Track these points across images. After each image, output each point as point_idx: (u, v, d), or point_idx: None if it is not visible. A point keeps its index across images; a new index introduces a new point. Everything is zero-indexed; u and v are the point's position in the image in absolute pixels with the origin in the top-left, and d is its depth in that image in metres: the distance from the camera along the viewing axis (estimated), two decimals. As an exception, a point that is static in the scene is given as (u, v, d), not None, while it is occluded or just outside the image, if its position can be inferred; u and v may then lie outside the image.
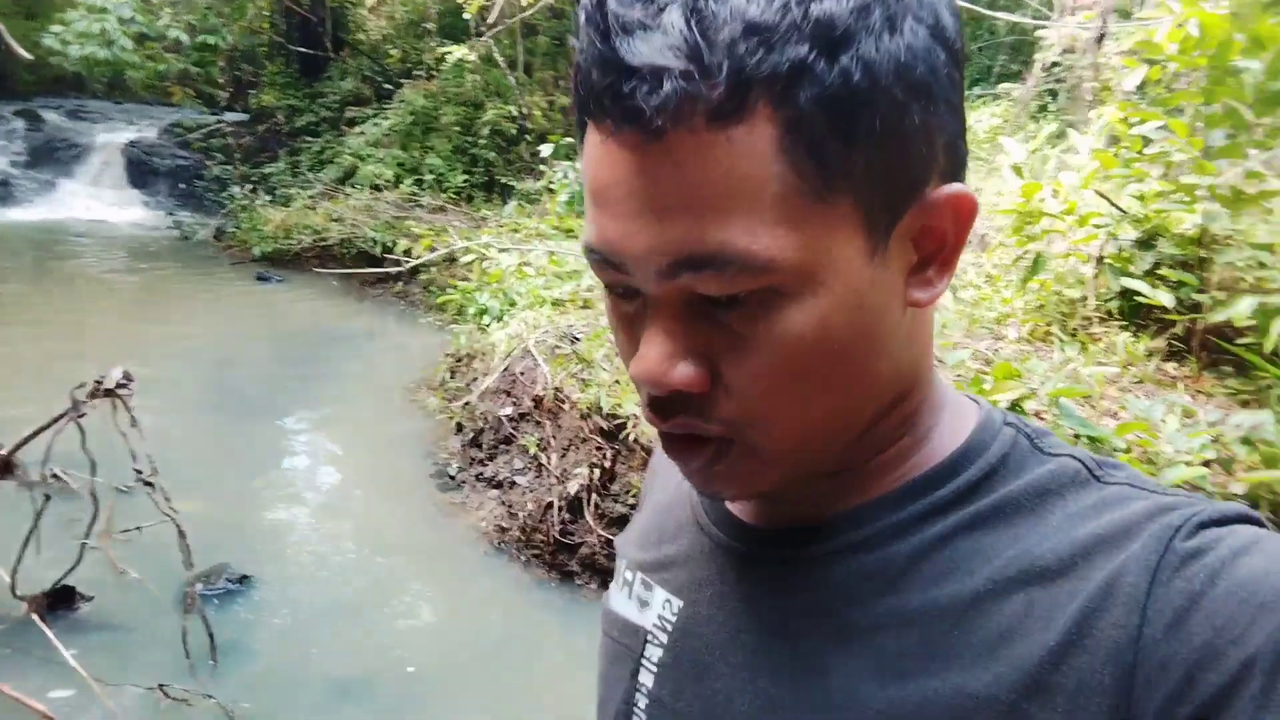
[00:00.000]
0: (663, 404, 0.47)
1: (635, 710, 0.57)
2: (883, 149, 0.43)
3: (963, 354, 3.02)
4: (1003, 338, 3.44)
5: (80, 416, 3.02)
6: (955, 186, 0.46)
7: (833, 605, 0.49)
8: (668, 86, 0.39)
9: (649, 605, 0.59)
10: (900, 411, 0.51)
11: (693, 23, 0.39)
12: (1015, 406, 2.48)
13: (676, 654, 0.55)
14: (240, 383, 5.74)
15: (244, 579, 3.42)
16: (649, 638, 0.58)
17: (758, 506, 0.55)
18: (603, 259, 0.46)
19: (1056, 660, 0.42)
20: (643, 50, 0.40)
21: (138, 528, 3.26)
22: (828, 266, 0.43)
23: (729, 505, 0.57)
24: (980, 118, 7.03)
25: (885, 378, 0.49)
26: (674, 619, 0.56)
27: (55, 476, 3.25)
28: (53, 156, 10.54)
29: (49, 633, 2.87)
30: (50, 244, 8.82)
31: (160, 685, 2.77)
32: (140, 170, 10.63)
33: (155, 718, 2.69)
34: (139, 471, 2.97)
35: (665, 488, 0.66)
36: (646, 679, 0.57)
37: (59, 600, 3.07)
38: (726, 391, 0.46)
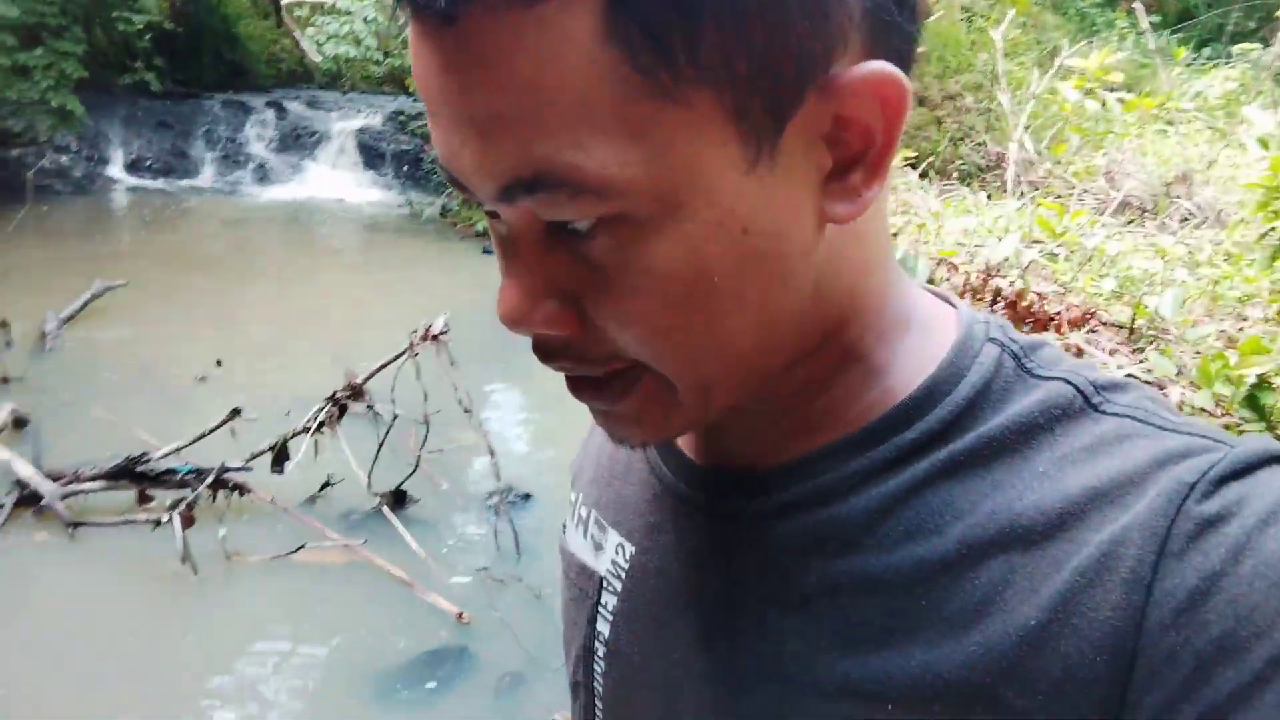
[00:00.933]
0: (540, 346, 0.42)
1: (595, 659, 0.55)
2: (746, 24, 0.34)
3: (1206, 330, 2.96)
4: (1246, 318, 3.30)
5: (414, 355, 3.81)
6: (873, 66, 0.37)
7: (785, 566, 0.44)
8: None
9: (603, 549, 0.55)
10: (839, 342, 0.45)
11: None
12: (1263, 384, 2.22)
13: (632, 603, 0.52)
14: (486, 337, 6.59)
15: (527, 496, 4.14)
16: (604, 584, 0.54)
17: (704, 443, 0.51)
18: (449, 177, 0.40)
19: (1039, 641, 0.36)
20: None
21: (440, 450, 4.03)
22: (689, 184, 0.36)
23: (677, 441, 0.52)
24: (1211, 82, 6.75)
25: (799, 308, 0.42)
26: (626, 565, 0.53)
27: (370, 409, 4.07)
28: (298, 142, 11.98)
29: (397, 522, 3.67)
30: (304, 217, 10.17)
31: (482, 568, 3.50)
32: (371, 154, 11.92)
33: (481, 594, 3.41)
34: (460, 402, 3.71)
35: None
36: (604, 627, 0.54)
37: (396, 501, 3.87)
38: (599, 332, 0.40)
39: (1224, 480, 0.36)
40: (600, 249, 0.38)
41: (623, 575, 0.53)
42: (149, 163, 11.44)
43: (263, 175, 11.54)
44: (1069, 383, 0.42)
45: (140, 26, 10.62)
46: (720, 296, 0.39)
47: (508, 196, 0.38)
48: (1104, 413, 0.41)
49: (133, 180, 11.15)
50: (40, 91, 8.79)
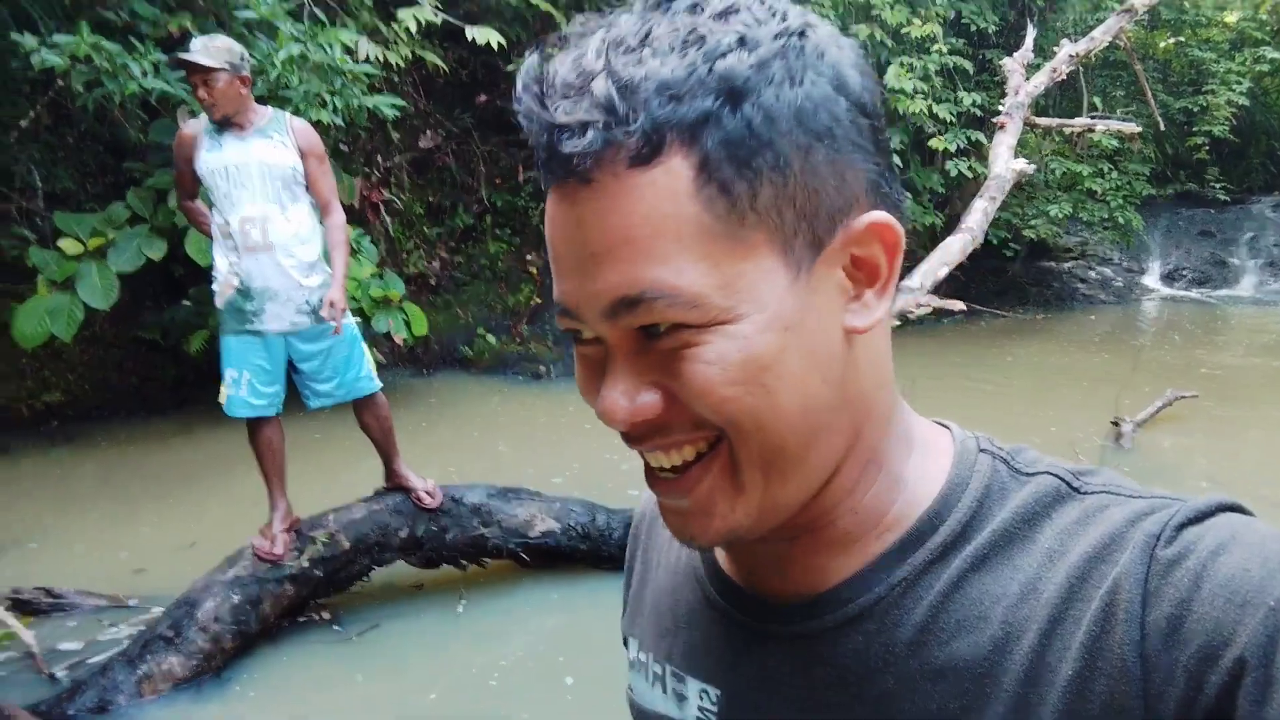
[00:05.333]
0: (634, 434, 0.51)
1: None
2: (789, 184, 0.47)
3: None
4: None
5: None
6: (875, 214, 0.50)
7: (862, 675, 0.51)
8: (590, 134, 0.45)
9: (686, 699, 0.60)
10: (864, 445, 0.53)
11: (612, 84, 0.45)
12: None
13: None
14: None
15: None
16: None
17: (760, 576, 0.58)
18: (563, 310, 0.50)
19: (1080, 689, 0.44)
20: (571, 109, 0.46)
21: None
22: (749, 295, 0.47)
23: (733, 578, 0.59)
24: None
25: (831, 399, 0.50)
26: (715, 708, 0.58)
27: None
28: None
29: None
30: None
31: None
32: None
33: None
34: None
35: (666, 566, 0.67)
36: None
37: None
38: (683, 405, 0.49)
39: (1182, 527, 0.45)
40: (678, 342, 0.48)
41: (713, 717, 0.59)
42: (1185, 273, 11.40)
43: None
44: (1053, 475, 0.52)
45: (1203, 141, 10.68)
46: (772, 374, 0.48)
47: (613, 312, 0.48)
48: (1085, 493, 0.51)
49: (1166, 290, 11.27)
50: (1109, 211, 9.57)
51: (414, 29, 6.19)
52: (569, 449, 5.28)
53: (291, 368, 3.34)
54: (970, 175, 8.48)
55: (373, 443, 3.52)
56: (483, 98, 7.84)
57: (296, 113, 4.83)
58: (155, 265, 5.11)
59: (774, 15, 0.48)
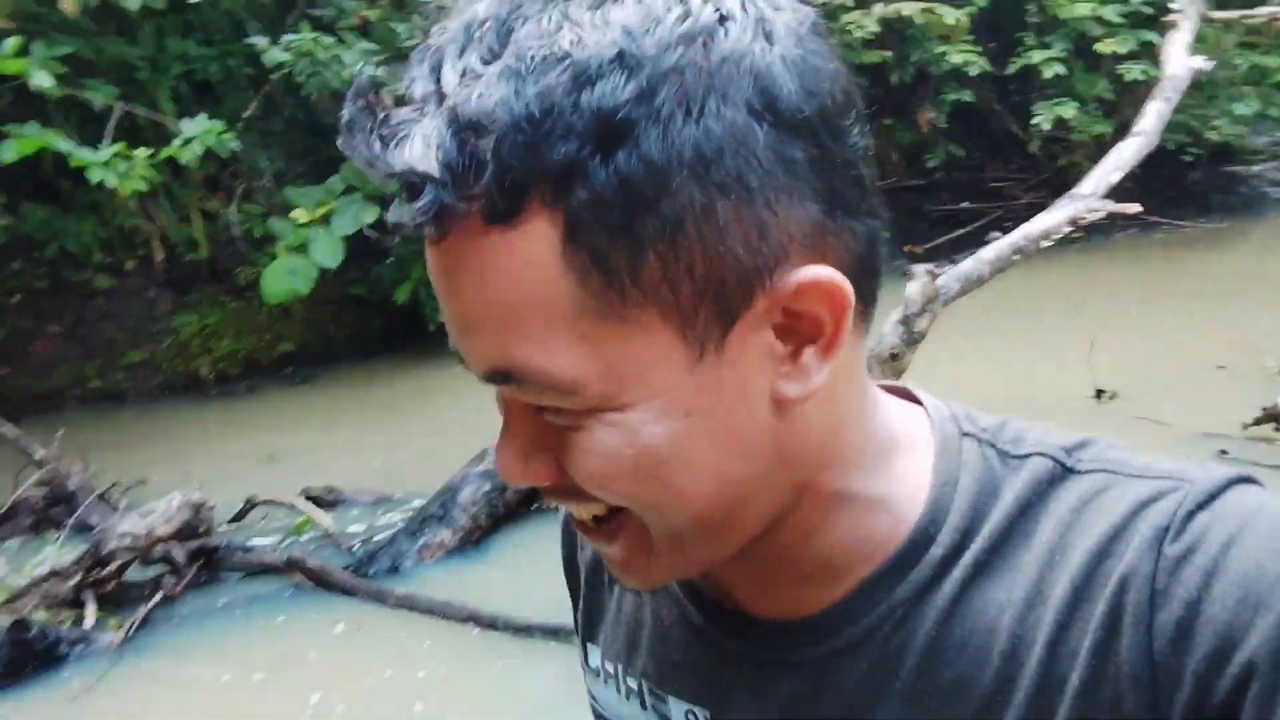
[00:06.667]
0: (541, 489, 0.47)
1: None
2: (682, 252, 0.39)
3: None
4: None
5: None
6: (813, 271, 0.41)
7: (869, 700, 0.48)
8: (428, 195, 0.37)
9: (670, 718, 0.56)
10: (819, 491, 0.48)
11: (450, 126, 0.37)
12: None
13: None
14: None
15: None
16: None
17: (743, 594, 0.53)
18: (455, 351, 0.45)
19: (1089, 693, 0.42)
20: (404, 156, 0.38)
21: None
22: (638, 382, 0.41)
23: (709, 593, 0.55)
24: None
25: (760, 472, 0.45)
26: None
27: None
28: None
29: None
30: None
31: None
32: None
33: None
34: None
35: None
36: None
37: None
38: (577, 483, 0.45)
39: (1191, 515, 0.42)
40: (563, 422, 0.43)
41: None
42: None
43: None
44: (1044, 455, 0.48)
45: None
46: (670, 467, 0.43)
47: (490, 379, 0.43)
48: (1080, 472, 0.47)
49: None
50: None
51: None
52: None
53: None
54: (1142, 78, 8.13)
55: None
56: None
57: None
58: (358, 230, 5.93)
59: (672, 6, 0.39)
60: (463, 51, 0.39)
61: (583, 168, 0.37)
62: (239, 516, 4.11)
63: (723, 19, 0.39)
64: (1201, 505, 0.42)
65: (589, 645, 0.64)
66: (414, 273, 5.93)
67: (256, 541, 3.99)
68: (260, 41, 5.49)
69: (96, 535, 3.60)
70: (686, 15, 0.39)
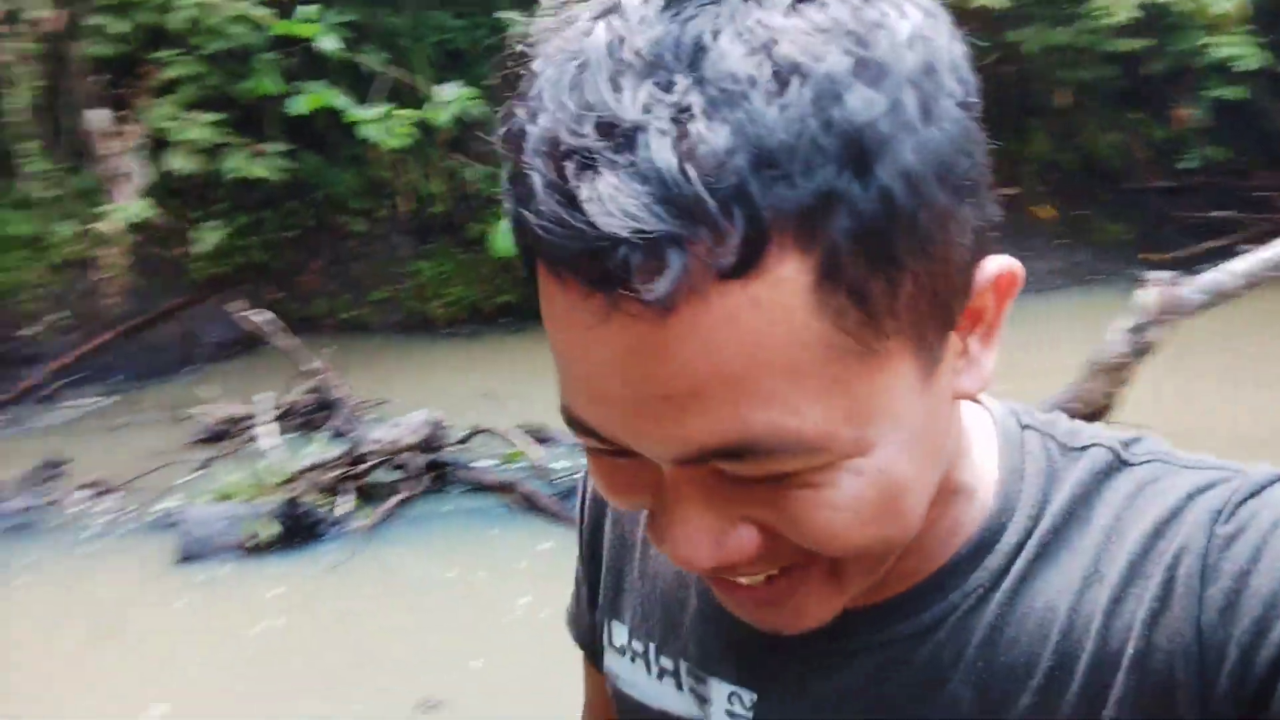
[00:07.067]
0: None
1: None
2: (930, 265, 0.37)
3: None
4: None
5: None
6: (999, 262, 0.41)
7: (938, 683, 0.48)
8: (675, 263, 0.32)
9: (709, 701, 0.55)
10: (944, 485, 0.47)
11: (684, 160, 0.31)
12: None
13: None
14: None
15: None
16: None
17: None
18: (591, 433, 0.40)
19: (1144, 666, 0.43)
20: (618, 205, 0.31)
21: None
22: (883, 419, 0.38)
23: None
24: None
25: (937, 476, 0.45)
26: (750, 714, 0.53)
27: None
28: None
29: None
30: None
31: None
32: None
33: None
34: None
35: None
36: None
37: None
38: (787, 543, 0.41)
39: (1243, 501, 0.43)
40: (785, 488, 0.39)
41: None
42: None
43: None
44: (1101, 445, 0.49)
45: None
46: (909, 495, 0.42)
47: (699, 459, 0.38)
48: (1134, 464, 0.48)
49: None
50: None
51: None
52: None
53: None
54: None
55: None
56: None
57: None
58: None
59: (861, 5, 0.35)
60: (641, 78, 0.33)
61: (842, 194, 0.33)
62: (463, 440, 4.62)
63: (927, 13, 0.37)
64: (1253, 494, 0.43)
65: (614, 623, 0.61)
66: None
67: (478, 464, 4.49)
68: (511, 15, 6.00)
69: (353, 438, 4.19)
70: (890, 12, 0.35)
